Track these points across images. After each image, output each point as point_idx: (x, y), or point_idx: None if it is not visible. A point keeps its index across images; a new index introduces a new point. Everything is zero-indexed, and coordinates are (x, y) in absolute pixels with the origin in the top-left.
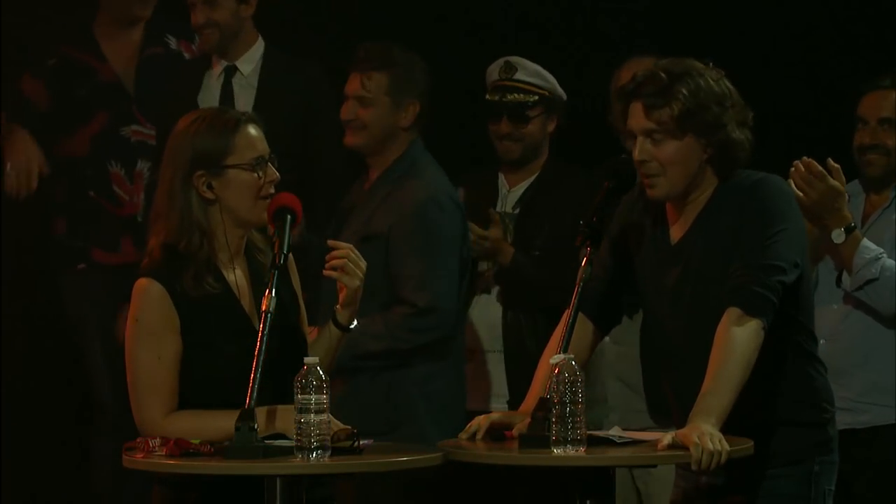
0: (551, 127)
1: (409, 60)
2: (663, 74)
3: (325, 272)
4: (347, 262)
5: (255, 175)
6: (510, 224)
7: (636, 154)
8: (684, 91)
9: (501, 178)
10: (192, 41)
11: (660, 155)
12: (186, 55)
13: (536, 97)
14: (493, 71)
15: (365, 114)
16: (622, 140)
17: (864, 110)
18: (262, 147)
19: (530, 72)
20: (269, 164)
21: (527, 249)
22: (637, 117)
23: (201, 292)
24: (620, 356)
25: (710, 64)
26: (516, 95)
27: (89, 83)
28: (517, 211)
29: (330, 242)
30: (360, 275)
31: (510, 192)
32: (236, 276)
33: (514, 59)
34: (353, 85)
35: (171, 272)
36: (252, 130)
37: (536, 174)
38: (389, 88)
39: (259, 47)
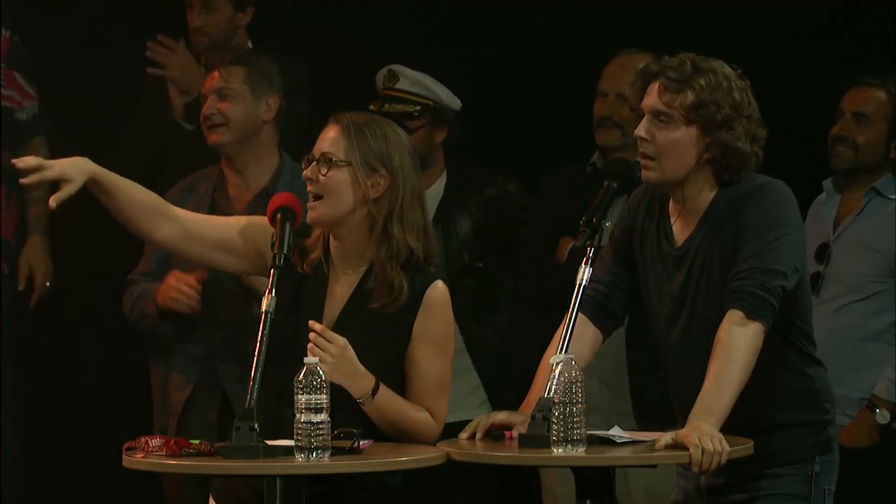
0: (440, 137)
1: (264, 58)
2: (689, 63)
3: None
4: (316, 347)
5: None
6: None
7: (638, 129)
8: (702, 83)
9: None
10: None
11: (659, 138)
12: None
13: (419, 107)
14: (378, 79)
15: (225, 107)
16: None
17: (844, 102)
18: (319, 147)
19: (413, 81)
20: (314, 163)
21: (461, 262)
22: (651, 96)
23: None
24: (601, 357)
25: (739, 72)
26: (397, 106)
27: None
28: (439, 226)
29: (310, 324)
30: (330, 359)
31: None
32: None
33: (397, 67)
34: (212, 80)
35: None
36: (329, 131)
37: (441, 185)
38: (248, 79)
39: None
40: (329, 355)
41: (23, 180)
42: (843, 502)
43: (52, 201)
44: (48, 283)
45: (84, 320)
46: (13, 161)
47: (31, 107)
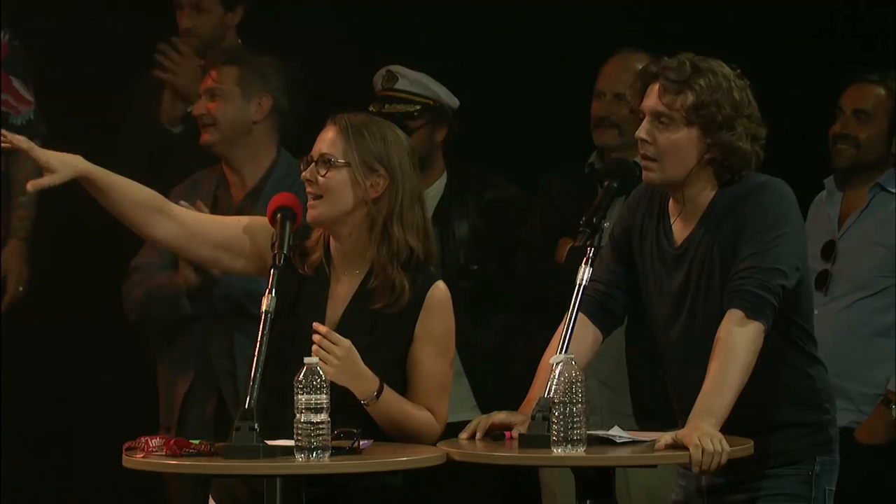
0: (440, 136)
1: (259, 57)
2: (689, 64)
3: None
4: (320, 349)
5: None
6: None
7: (639, 131)
8: (702, 83)
9: None
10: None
11: (660, 139)
12: None
13: (419, 107)
14: (377, 80)
15: (215, 107)
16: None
17: (844, 100)
18: (317, 148)
19: (412, 81)
20: (313, 164)
21: (457, 264)
22: (651, 98)
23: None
24: (601, 357)
25: (739, 71)
26: (397, 106)
27: None
28: (436, 227)
29: (315, 326)
30: (335, 362)
31: None
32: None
33: (396, 68)
34: (205, 82)
35: None
36: (327, 132)
37: (441, 185)
38: (240, 80)
39: None
40: (334, 357)
41: (4, 144)
42: (860, 499)
43: (30, 185)
44: (21, 288)
45: (81, 320)
46: (3, 133)
47: (27, 112)
